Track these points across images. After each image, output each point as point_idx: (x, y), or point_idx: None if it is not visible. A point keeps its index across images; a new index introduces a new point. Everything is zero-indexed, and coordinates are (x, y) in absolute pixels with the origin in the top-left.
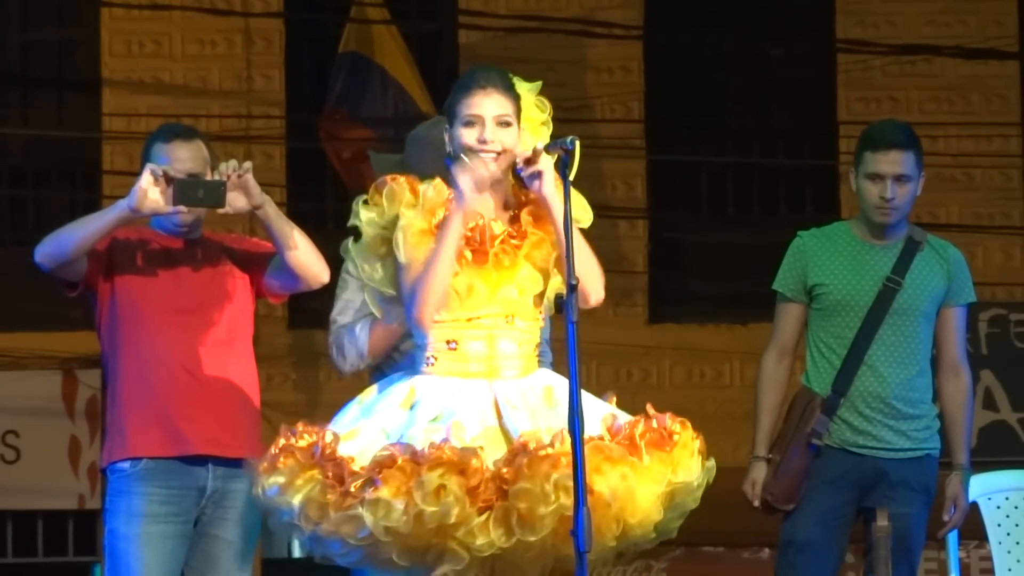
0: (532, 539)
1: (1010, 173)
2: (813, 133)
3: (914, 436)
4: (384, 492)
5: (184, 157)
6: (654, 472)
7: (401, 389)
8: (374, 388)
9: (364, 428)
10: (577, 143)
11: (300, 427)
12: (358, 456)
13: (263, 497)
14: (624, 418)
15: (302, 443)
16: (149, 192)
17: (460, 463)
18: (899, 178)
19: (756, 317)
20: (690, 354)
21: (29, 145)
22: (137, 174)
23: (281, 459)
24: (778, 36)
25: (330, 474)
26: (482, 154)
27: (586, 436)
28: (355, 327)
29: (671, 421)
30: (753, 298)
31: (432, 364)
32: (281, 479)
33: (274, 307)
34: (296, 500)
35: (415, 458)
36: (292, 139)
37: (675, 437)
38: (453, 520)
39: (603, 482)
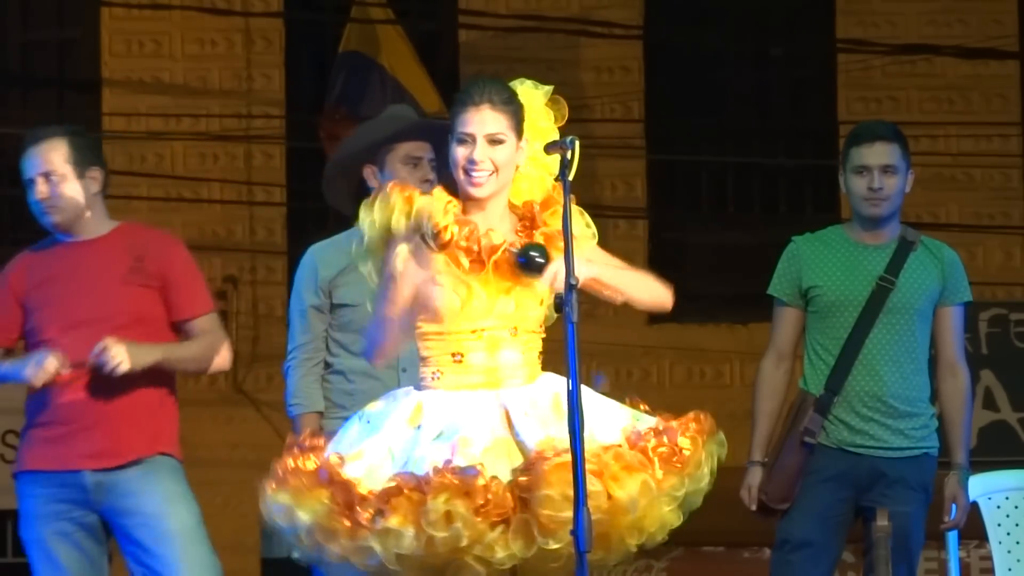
0: (556, 547)
1: (1010, 173)
2: (813, 133)
3: (912, 435)
4: (393, 521)
5: (33, 165)
6: (668, 483)
7: (408, 404)
8: (380, 402)
9: (369, 448)
10: (577, 143)
11: (307, 443)
12: (364, 478)
13: (269, 514)
14: (645, 424)
15: (310, 465)
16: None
17: (463, 486)
18: (886, 169)
19: (756, 317)
20: (690, 354)
21: None
22: (134, 174)
23: (289, 480)
24: (778, 36)
25: (339, 500)
26: (473, 173)
27: (606, 443)
28: (295, 363)
29: (682, 436)
30: (753, 298)
31: (438, 379)
32: (288, 498)
33: (274, 307)
34: (305, 518)
35: (419, 486)
36: (292, 139)
37: (684, 452)
38: (465, 543)
39: (621, 490)
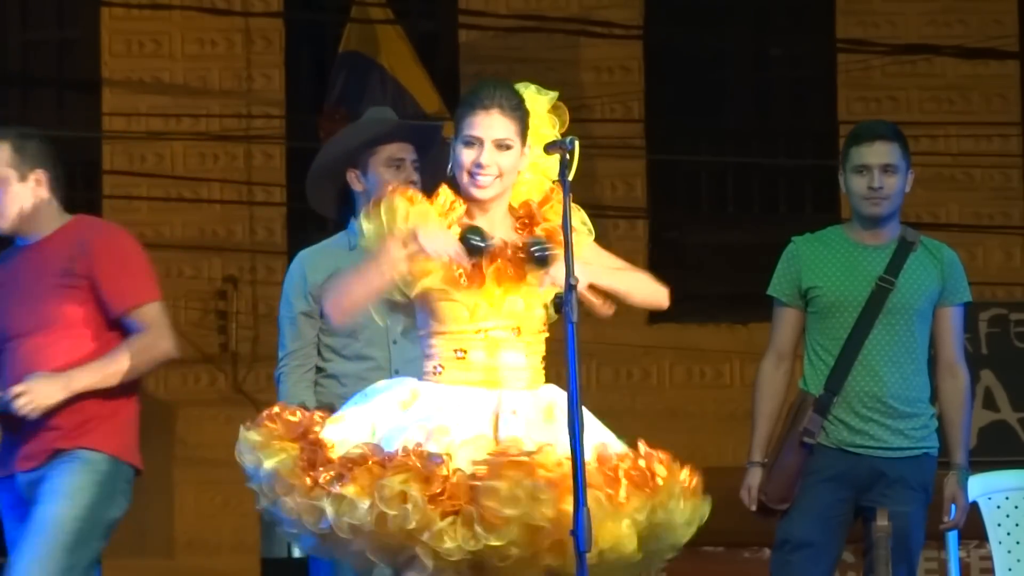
0: (496, 544)
1: (1010, 173)
2: (813, 133)
3: (911, 435)
4: (349, 489)
5: None
6: (628, 508)
7: (404, 390)
8: (381, 382)
9: (351, 416)
10: (577, 144)
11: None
12: (339, 443)
13: (238, 451)
14: (616, 448)
15: (292, 418)
16: None
17: (424, 471)
18: (886, 168)
19: (756, 317)
20: (690, 354)
21: None
22: (134, 174)
23: (266, 422)
24: (778, 36)
25: (304, 457)
26: (478, 177)
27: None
28: (287, 370)
29: (659, 464)
30: (753, 298)
31: (439, 373)
32: (259, 439)
33: (274, 307)
34: (268, 464)
35: (383, 461)
36: (292, 139)
37: (658, 479)
38: (413, 525)
39: (569, 505)
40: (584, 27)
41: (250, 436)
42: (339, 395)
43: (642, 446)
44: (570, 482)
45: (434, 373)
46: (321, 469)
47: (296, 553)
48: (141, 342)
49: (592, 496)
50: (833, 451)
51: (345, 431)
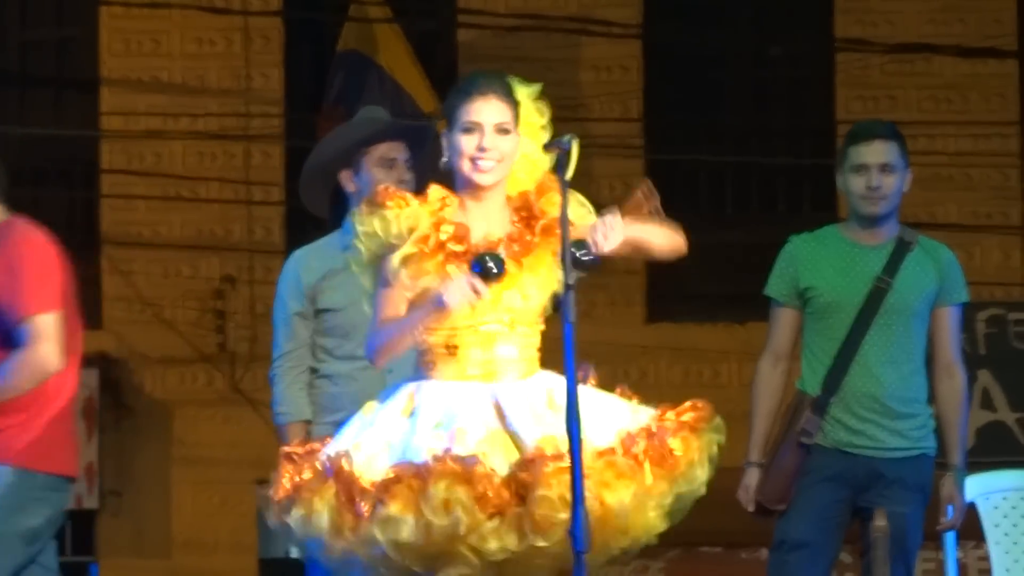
0: (544, 545)
1: (1008, 172)
2: (811, 132)
3: (909, 435)
4: (392, 509)
5: None
6: (655, 494)
7: (401, 397)
8: (375, 403)
9: (366, 441)
10: (575, 142)
11: (301, 452)
12: (365, 470)
13: (287, 528)
14: (640, 417)
15: (307, 475)
16: None
17: (465, 473)
18: (884, 167)
19: (754, 316)
20: (688, 353)
21: (27, 144)
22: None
23: (299, 493)
24: (777, 34)
25: (343, 495)
26: (480, 162)
27: (600, 447)
28: (281, 371)
29: (672, 438)
30: (751, 298)
31: (432, 368)
32: (300, 510)
33: (271, 307)
34: (322, 522)
35: (419, 473)
36: (291, 138)
37: (676, 454)
38: (463, 530)
39: (613, 496)
40: (583, 26)
41: (293, 513)
42: (332, 394)
43: (653, 422)
44: (607, 474)
45: (428, 369)
46: (359, 501)
47: (293, 553)
48: (24, 357)
49: (628, 489)
50: (831, 451)
51: (365, 455)
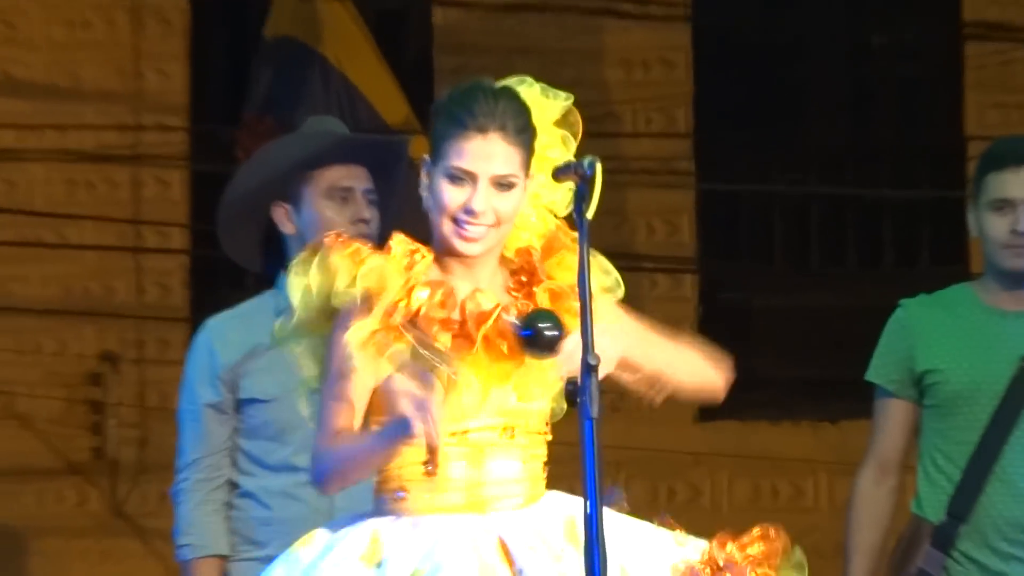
0: None
1: None
2: (931, 153)
3: None
4: None
5: None
6: None
7: (360, 536)
8: (315, 536)
9: None
10: (598, 167)
11: None
12: None
13: None
14: (692, 551)
15: None
16: None
17: None
18: None
19: (850, 412)
20: (757, 463)
21: None
22: None
23: None
24: (881, 20)
25: None
26: (468, 226)
27: None
28: (187, 486)
29: (752, 574)
30: (845, 385)
31: (402, 499)
32: None
33: (168, 396)
34: None
35: None
36: (198, 160)
37: None
38: None
39: None
40: (609, 4)
41: None
42: (261, 520)
43: (714, 548)
44: None
45: (393, 500)
46: None
47: None
48: None
49: None
50: None
51: None
